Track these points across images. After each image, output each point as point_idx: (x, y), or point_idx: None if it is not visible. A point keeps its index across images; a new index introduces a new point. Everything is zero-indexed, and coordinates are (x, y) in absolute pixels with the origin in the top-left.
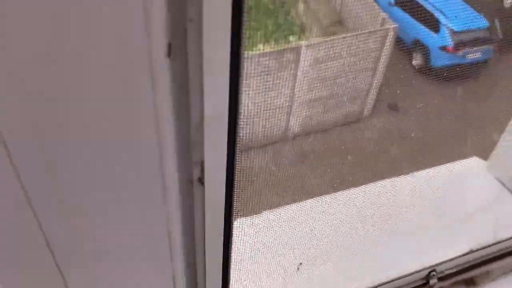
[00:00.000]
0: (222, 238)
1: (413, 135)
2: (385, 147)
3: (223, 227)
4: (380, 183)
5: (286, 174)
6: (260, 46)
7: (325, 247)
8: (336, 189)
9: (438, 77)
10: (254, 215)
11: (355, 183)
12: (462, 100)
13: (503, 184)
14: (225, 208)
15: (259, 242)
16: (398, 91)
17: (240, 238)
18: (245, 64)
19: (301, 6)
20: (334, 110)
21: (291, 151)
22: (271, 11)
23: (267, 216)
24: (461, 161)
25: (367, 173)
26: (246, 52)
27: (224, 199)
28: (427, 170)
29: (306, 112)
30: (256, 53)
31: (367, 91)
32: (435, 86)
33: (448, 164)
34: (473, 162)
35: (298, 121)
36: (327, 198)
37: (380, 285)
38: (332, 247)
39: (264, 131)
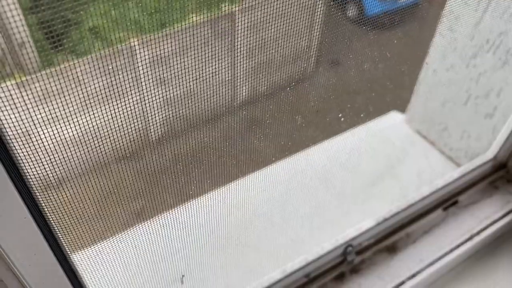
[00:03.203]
0: (65, 278)
1: (353, 88)
2: (330, 104)
3: (59, 267)
4: (289, 159)
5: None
6: (193, 17)
7: (216, 246)
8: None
9: (374, 26)
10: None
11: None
12: (399, 46)
13: (423, 136)
14: (51, 248)
15: (130, 262)
16: (337, 45)
17: (101, 265)
18: (180, 38)
19: None
20: (277, 73)
21: (238, 122)
22: None
23: (139, 230)
24: (380, 117)
25: (316, 133)
26: (179, 25)
27: (42, 241)
28: (344, 133)
29: (249, 78)
30: (189, 25)
31: (307, 50)
32: (373, 35)
33: (368, 122)
34: (392, 117)
35: (243, 89)
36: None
37: (290, 274)
38: (228, 243)
39: (210, 104)
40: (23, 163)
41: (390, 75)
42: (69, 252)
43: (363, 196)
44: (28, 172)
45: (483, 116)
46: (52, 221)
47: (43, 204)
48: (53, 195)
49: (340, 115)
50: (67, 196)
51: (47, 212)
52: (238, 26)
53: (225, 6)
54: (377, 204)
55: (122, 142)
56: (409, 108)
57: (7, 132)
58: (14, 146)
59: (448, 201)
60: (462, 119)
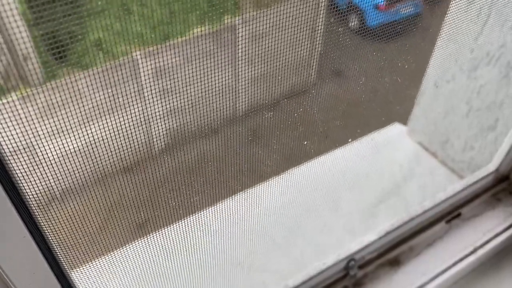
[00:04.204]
0: None
1: (361, 98)
2: (332, 115)
3: (59, 286)
4: (290, 172)
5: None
6: (195, 29)
7: (219, 265)
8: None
9: (376, 37)
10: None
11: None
12: (401, 57)
13: (425, 148)
14: (50, 266)
15: (130, 279)
16: (339, 56)
17: (101, 283)
18: (183, 49)
19: None
20: (280, 83)
21: (240, 132)
22: None
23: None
24: (382, 129)
25: (318, 145)
26: (181, 37)
27: (41, 260)
28: (346, 145)
29: (251, 90)
30: (192, 37)
31: (309, 60)
32: (374, 46)
33: (369, 135)
34: (394, 129)
35: (245, 99)
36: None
37: None
38: (231, 262)
39: (213, 114)
40: (24, 178)
41: (392, 86)
42: (68, 270)
43: (367, 211)
44: (30, 187)
45: (485, 128)
46: (51, 239)
47: (42, 223)
48: (52, 212)
49: (341, 127)
50: (69, 210)
51: (46, 230)
52: (239, 37)
53: (227, 18)
54: (380, 218)
55: (126, 153)
56: (411, 120)
57: (3, 147)
58: (13, 162)
59: (451, 214)
60: (463, 131)
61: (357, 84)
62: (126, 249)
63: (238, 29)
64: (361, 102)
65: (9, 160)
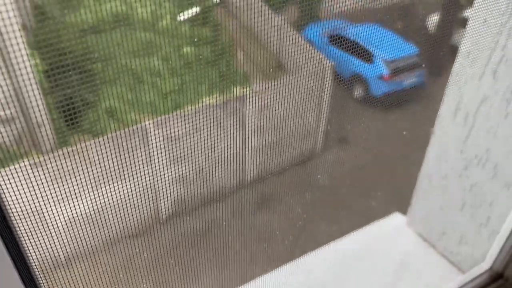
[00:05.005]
0: None
1: (360, 167)
2: (339, 184)
3: None
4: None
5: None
6: (205, 98)
7: None
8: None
9: (380, 105)
10: None
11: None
12: (404, 127)
13: (425, 239)
14: None
15: None
16: (345, 124)
17: None
18: (193, 119)
19: (240, 55)
20: (287, 151)
21: (248, 201)
22: (212, 63)
23: None
24: (382, 220)
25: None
26: (192, 107)
27: None
28: (348, 236)
29: (259, 157)
30: (202, 106)
31: (316, 128)
32: (378, 114)
33: (368, 226)
34: (394, 219)
35: (253, 168)
36: None
37: None
38: None
39: (220, 182)
40: (31, 243)
41: (395, 157)
42: None
43: None
44: (37, 253)
45: (478, 225)
46: None
47: None
48: (57, 280)
49: (346, 211)
50: (74, 278)
51: None
52: (248, 107)
53: (236, 89)
54: None
55: (133, 220)
56: (410, 211)
57: (12, 211)
58: (20, 226)
59: None
60: (459, 225)
61: (362, 152)
62: None
63: (248, 99)
64: (365, 169)
65: (17, 224)
